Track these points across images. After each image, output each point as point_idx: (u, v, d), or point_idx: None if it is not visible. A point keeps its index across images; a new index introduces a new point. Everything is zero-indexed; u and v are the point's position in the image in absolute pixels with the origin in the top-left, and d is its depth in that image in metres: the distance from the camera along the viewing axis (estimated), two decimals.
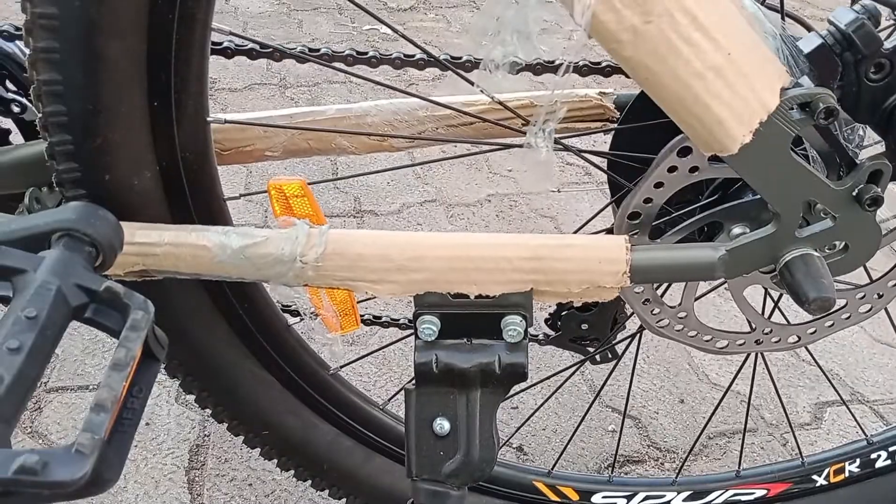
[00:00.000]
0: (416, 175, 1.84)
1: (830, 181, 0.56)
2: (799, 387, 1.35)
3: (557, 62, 0.69)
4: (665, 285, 0.71)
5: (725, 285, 0.67)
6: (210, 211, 0.65)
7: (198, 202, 0.64)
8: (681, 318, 0.67)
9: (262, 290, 0.74)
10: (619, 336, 0.89)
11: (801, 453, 0.93)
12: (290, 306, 0.84)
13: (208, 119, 0.61)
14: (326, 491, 0.86)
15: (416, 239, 0.59)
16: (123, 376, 0.44)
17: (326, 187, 1.77)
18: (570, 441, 0.99)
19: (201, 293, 0.70)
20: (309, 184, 0.67)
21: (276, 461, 0.83)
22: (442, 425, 0.62)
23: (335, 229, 0.60)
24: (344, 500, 0.87)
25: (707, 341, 0.68)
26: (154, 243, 0.59)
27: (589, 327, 0.88)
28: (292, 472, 0.84)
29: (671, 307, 0.66)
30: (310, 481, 0.85)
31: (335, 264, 0.59)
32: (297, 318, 0.78)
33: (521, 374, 0.61)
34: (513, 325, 0.61)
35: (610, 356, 0.91)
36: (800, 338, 0.69)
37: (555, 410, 1.24)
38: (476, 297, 0.60)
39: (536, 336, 0.93)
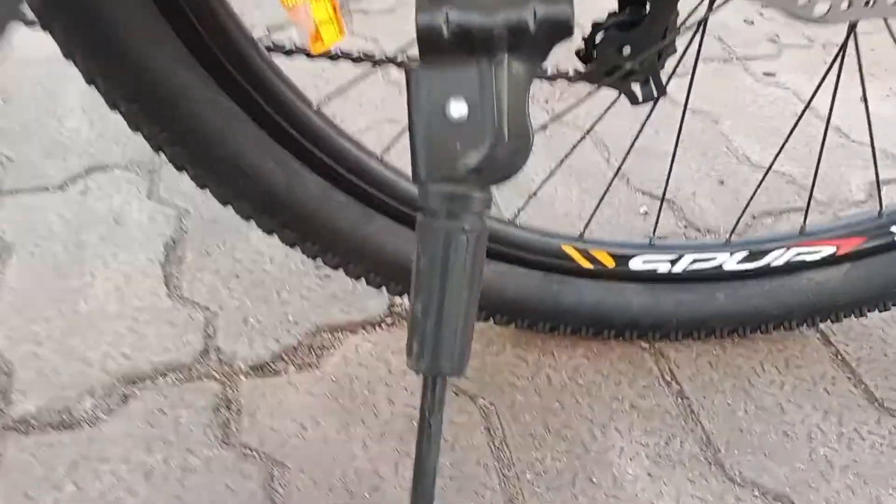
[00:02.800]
0: None
1: None
2: (851, 167, 1.20)
3: None
4: None
5: None
6: None
7: None
8: None
9: None
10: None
11: (880, 202, 0.79)
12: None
13: None
14: (319, 258, 0.73)
15: None
16: None
17: None
18: (597, 207, 0.84)
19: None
20: None
21: (255, 220, 0.69)
22: (458, 108, 0.46)
23: None
24: (341, 268, 0.74)
25: (803, 4, 0.52)
26: None
27: (631, 51, 0.71)
28: (276, 235, 0.70)
29: None
30: (298, 247, 0.71)
31: None
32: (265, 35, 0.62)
33: (566, 27, 0.45)
34: None
35: (655, 92, 0.75)
36: None
37: (580, 197, 1.10)
38: None
39: (565, 72, 0.77)
